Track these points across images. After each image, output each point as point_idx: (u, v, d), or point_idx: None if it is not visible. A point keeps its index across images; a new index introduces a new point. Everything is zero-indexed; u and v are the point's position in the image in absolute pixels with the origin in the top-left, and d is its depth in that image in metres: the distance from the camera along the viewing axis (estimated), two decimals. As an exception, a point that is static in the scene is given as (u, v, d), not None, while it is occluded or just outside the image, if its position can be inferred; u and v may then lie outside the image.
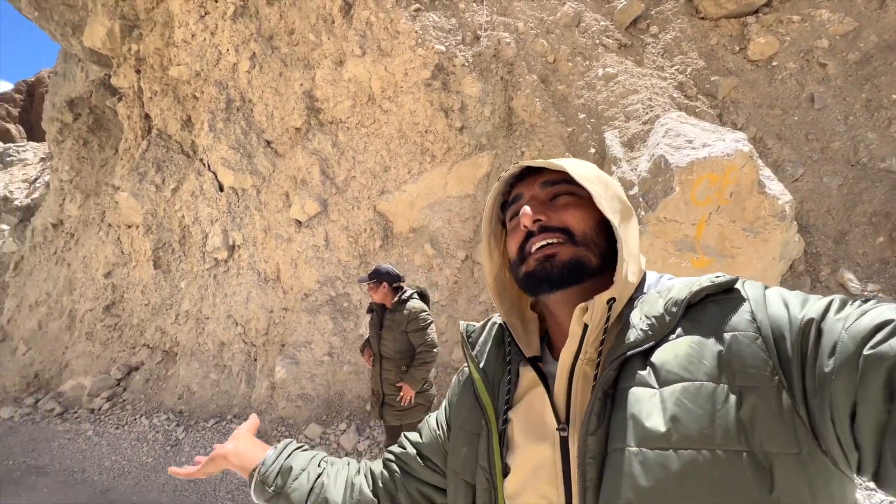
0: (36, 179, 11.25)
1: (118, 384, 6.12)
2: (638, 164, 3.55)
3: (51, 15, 6.75)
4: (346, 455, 3.92)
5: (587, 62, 4.74)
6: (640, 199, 3.25)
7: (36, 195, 10.46)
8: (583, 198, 0.64)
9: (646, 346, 0.54)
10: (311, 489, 0.80)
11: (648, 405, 0.50)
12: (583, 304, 0.57)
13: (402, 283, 2.96)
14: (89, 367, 6.51)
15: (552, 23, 4.93)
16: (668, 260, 3.06)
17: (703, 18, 4.97)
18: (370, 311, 3.06)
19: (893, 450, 0.40)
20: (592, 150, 4.33)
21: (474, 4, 5.08)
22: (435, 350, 2.83)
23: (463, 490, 0.67)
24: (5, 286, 8.80)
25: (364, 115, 5.16)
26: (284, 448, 0.85)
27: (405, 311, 2.82)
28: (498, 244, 0.75)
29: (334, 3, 5.14)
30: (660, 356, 0.52)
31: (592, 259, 0.62)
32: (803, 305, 0.49)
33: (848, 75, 4.52)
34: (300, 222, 5.26)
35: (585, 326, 0.57)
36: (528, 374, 0.66)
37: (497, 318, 0.75)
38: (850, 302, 0.47)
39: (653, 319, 0.55)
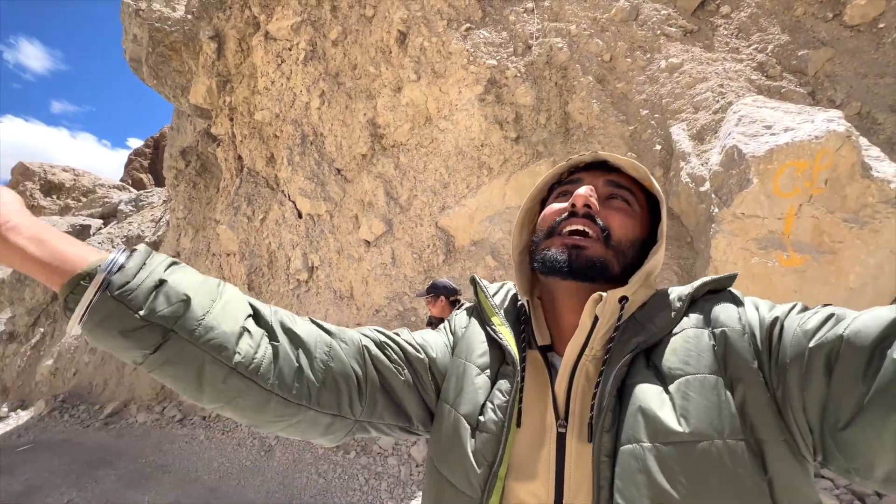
0: (160, 219, 13.29)
1: (224, 395, 6.92)
2: (709, 158, 3.24)
3: (165, 81, 8.05)
4: (417, 466, 4.01)
5: (647, 55, 4.48)
6: (713, 196, 2.96)
7: (160, 232, 12.34)
8: (636, 212, 0.66)
9: (652, 342, 0.56)
10: (248, 333, 0.55)
11: (657, 400, 0.51)
12: (596, 295, 0.58)
13: (459, 297, 3.00)
14: (201, 379, 7.43)
15: (607, 20, 4.76)
16: (751, 260, 2.73)
17: (783, -11, 4.45)
18: (429, 324, 3.15)
19: (829, 424, 0.44)
20: (658, 147, 4.05)
21: (525, 15, 5.09)
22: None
23: (464, 428, 0.59)
24: (139, 310, 10.43)
25: (422, 136, 5.37)
26: (150, 254, 0.52)
27: (462, 324, 2.86)
28: (529, 224, 0.75)
29: (390, 34, 5.47)
30: (660, 353, 0.54)
31: (616, 267, 0.62)
32: (770, 308, 0.54)
33: None
34: (369, 242, 5.58)
35: (595, 320, 0.58)
36: (530, 359, 0.64)
37: (514, 288, 0.75)
38: (813, 308, 0.51)
39: (658, 316, 0.58)
